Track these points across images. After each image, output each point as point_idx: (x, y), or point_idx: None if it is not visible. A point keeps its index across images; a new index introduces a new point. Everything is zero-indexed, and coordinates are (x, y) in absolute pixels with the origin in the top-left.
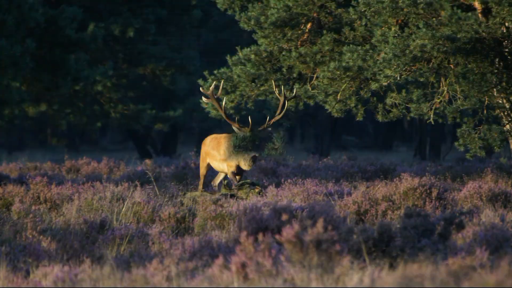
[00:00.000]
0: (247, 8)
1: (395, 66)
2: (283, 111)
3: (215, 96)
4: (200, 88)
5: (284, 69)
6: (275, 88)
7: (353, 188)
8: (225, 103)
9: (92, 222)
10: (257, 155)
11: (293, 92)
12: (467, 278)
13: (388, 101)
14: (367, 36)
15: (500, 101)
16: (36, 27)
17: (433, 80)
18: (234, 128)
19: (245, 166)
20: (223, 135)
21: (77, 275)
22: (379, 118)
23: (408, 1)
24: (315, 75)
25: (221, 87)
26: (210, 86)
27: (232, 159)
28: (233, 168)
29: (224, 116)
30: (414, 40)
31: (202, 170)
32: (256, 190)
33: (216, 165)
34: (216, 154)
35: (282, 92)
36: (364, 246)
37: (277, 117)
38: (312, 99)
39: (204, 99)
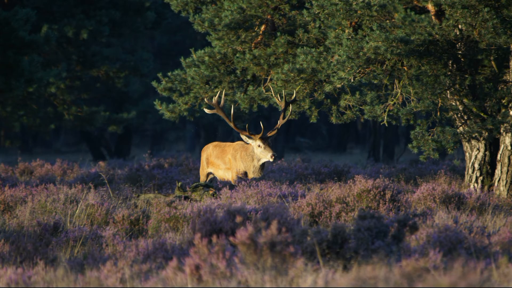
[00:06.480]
0: (201, 10)
1: (348, 68)
2: (287, 116)
3: (220, 106)
4: (205, 99)
5: (238, 71)
6: (229, 90)
7: (307, 190)
8: (179, 105)
9: (46, 224)
10: (270, 159)
11: (291, 96)
12: (420, 279)
13: (342, 103)
14: (321, 38)
15: (454, 103)
16: None
17: (387, 82)
18: (242, 137)
19: (254, 173)
20: (227, 143)
21: (30, 277)
22: (333, 120)
23: (362, 3)
24: (269, 77)
25: (223, 97)
26: (214, 97)
27: (240, 167)
28: (240, 175)
29: (233, 126)
30: (367, 42)
31: (203, 178)
32: (210, 192)
33: (221, 173)
34: (221, 164)
35: (283, 97)
36: (318, 248)
37: (283, 121)
38: (266, 101)
39: (207, 110)
